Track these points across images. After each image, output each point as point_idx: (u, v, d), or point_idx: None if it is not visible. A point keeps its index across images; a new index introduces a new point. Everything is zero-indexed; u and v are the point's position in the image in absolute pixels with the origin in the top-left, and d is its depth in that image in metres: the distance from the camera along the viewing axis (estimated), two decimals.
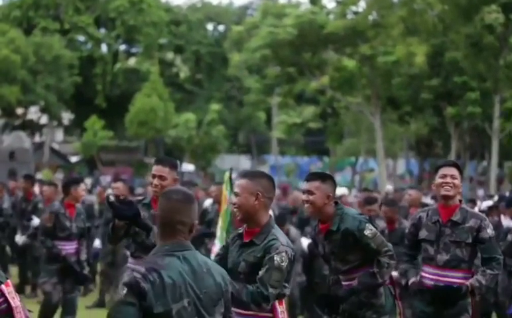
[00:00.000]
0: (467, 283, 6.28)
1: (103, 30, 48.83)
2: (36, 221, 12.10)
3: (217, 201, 10.87)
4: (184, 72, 53.34)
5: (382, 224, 9.31)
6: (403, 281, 6.83)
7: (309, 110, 47.30)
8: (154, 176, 6.27)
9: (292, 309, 10.55)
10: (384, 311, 6.01)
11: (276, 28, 36.74)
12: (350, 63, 37.21)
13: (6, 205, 13.85)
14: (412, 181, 41.85)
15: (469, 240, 6.34)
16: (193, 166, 47.10)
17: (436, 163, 7.26)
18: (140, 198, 6.99)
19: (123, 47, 50.38)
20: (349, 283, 5.96)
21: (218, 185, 11.75)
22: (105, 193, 14.64)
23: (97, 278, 13.56)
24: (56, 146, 49.32)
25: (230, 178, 8.82)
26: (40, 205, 12.61)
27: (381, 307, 6.00)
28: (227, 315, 3.83)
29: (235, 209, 5.08)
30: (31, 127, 47.90)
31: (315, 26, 35.81)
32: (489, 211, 12.06)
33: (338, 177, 39.64)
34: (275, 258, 4.83)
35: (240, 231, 5.15)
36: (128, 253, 6.84)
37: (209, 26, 54.80)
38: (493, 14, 29.35)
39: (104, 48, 48.50)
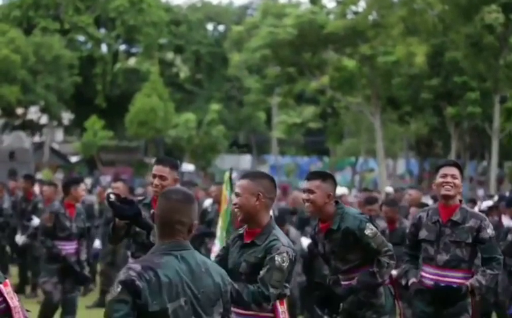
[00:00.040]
0: (467, 283, 6.28)
1: (103, 30, 48.84)
2: (36, 221, 12.10)
3: (217, 201, 10.87)
4: (184, 72, 53.35)
5: (382, 224, 9.31)
6: (403, 281, 6.83)
7: (309, 110, 47.31)
8: (154, 176, 6.27)
9: (292, 309, 10.54)
10: (384, 311, 6.01)
11: (276, 28, 36.75)
12: (350, 63, 37.22)
13: (6, 205, 13.84)
14: (412, 181, 41.83)
15: (469, 240, 6.34)
16: (193, 166, 47.10)
17: (436, 163, 7.27)
18: (140, 198, 6.99)
19: (123, 47, 50.39)
20: (348, 282, 5.96)
21: (218, 185, 11.75)
22: (105, 193, 14.64)
23: (97, 278, 13.57)
24: (56, 146, 49.32)
25: (230, 178, 8.82)
26: (40, 205, 12.61)
27: (381, 307, 6.00)
28: (226, 316, 3.82)
29: (236, 210, 5.07)
30: (31, 127, 47.90)
31: (315, 26, 35.81)
32: (489, 210, 12.06)
33: (338, 177, 39.60)
34: (276, 258, 4.83)
35: (240, 232, 5.15)
36: (128, 253, 6.84)
37: (209, 26, 54.82)
38: (493, 14, 29.34)
39: (104, 48, 48.51)
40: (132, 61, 49.53)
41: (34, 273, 12.71)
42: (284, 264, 4.83)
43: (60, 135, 54.66)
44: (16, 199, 13.77)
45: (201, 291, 3.65)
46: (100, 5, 47.44)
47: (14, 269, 14.13)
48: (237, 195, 5.03)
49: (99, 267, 13.58)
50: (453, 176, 6.38)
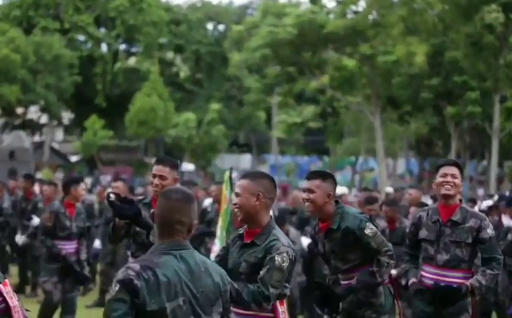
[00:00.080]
0: (467, 283, 6.28)
1: (103, 30, 48.83)
2: (36, 221, 12.10)
3: (217, 201, 10.87)
4: (184, 72, 53.35)
5: (382, 223, 9.31)
6: (403, 281, 6.83)
7: (309, 110, 47.31)
8: (154, 176, 6.26)
9: (292, 309, 10.53)
10: (383, 311, 6.01)
11: (276, 28, 36.74)
12: (350, 62, 37.22)
13: (6, 204, 13.84)
14: (412, 180, 41.84)
15: (469, 240, 6.34)
16: (193, 166, 47.10)
17: (436, 163, 7.26)
18: (140, 198, 6.99)
19: (123, 46, 50.38)
20: (348, 282, 5.96)
21: (218, 185, 11.75)
22: (105, 192, 14.64)
23: (97, 278, 13.57)
24: (56, 146, 49.32)
25: (230, 178, 8.82)
26: (40, 205, 12.61)
27: (381, 307, 6.00)
28: (226, 315, 3.82)
29: (236, 209, 5.07)
30: (31, 127, 47.90)
31: (315, 26, 35.81)
32: (489, 210, 12.07)
33: (338, 177, 39.61)
34: (276, 258, 4.83)
35: (240, 232, 5.15)
36: (128, 253, 6.84)
37: (209, 26, 54.81)
38: (493, 14, 29.34)
39: (104, 47, 48.50)
40: (132, 61, 49.53)
41: (34, 272, 12.71)
42: (284, 264, 4.83)
43: (60, 135, 54.66)
44: (16, 199, 13.77)
45: (201, 290, 3.65)
46: (100, 5, 47.43)
47: (14, 269, 14.13)
48: (237, 195, 5.03)
49: (99, 267, 13.58)
50: (453, 176, 6.38)
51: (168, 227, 3.68)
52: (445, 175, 6.38)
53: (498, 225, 10.79)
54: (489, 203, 13.97)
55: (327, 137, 46.33)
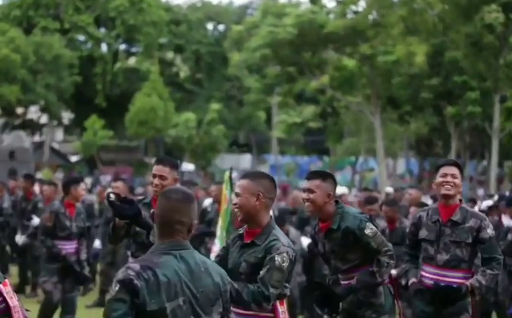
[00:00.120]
0: (467, 283, 6.28)
1: (103, 30, 48.83)
2: (36, 221, 12.10)
3: (217, 201, 10.87)
4: (184, 72, 53.35)
5: (382, 223, 9.31)
6: (403, 281, 6.82)
7: (309, 110, 47.31)
8: (154, 176, 6.26)
9: (292, 309, 10.53)
10: (383, 311, 6.01)
11: (276, 28, 36.74)
12: (350, 62, 37.22)
13: (6, 204, 13.84)
14: (412, 180, 41.84)
15: (469, 240, 6.34)
16: (193, 166, 47.10)
17: (436, 163, 7.26)
18: (140, 198, 6.99)
19: (123, 46, 50.38)
20: (348, 282, 5.96)
21: (218, 185, 11.75)
22: (105, 192, 14.63)
23: (97, 278, 13.57)
24: (56, 146, 49.32)
25: (230, 177, 8.82)
26: (40, 205, 12.61)
27: (381, 307, 6.00)
28: (226, 315, 3.82)
29: (236, 209, 5.07)
30: (31, 127, 47.90)
31: (315, 26, 35.81)
32: (489, 210, 12.07)
33: (338, 177, 39.61)
34: (276, 258, 4.83)
35: (240, 232, 5.15)
36: (128, 253, 6.84)
37: (209, 26, 54.81)
38: (493, 14, 29.35)
39: (104, 47, 48.50)
40: (132, 61, 49.53)
41: (34, 272, 12.71)
42: (284, 264, 4.83)
43: (60, 135, 54.67)
44: (16, 199, 13.77)
45: (201, 290, 3.65)
46: (100, 5, 47.43)
47: (14, 269, 14.13)
48: (237, 195, 5.03)
49: (99, 267, 13.58)
50: (453, 176, 6.38)
51: (168, 227, 3.68)
52: (445, 175, 6.38)
53: (498, 225, 10.80)
54: (489, 203, 13.97)
55: (327, 137, 46.33)
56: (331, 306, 6.02)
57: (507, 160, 42.47)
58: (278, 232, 4.98)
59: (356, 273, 5.91)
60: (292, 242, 5.28)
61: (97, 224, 13.77)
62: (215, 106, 46.42)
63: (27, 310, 4.10)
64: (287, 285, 4.95)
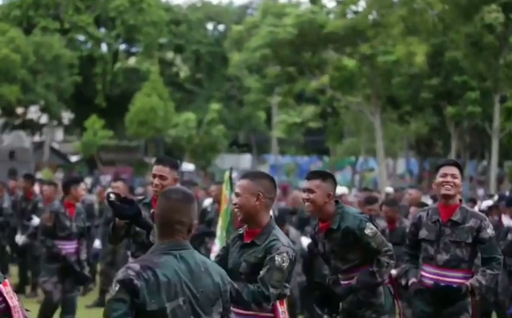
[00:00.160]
0: (467, 283, 6.28)
1: (103, 30, 48.83)
2: (36, 221, 12.10)
3: (217, 201, 10.87)
4: (184, 72, 53.35)
5: (383, 223, 9.31)
6: (403, 281, 6.82)
7: (309, 110, 47.31)
8: (154, 176, 6.26)
9: (292, 309, 10.54)
10: (383, 311, 6.01)
11: (276, 28, 36.74)
12: (350, 62, 37.23)
13: (6, 204, 13.84)
14: (412, 180, 41.84)
15: (469, 240, 6.34)
16: (193, 166, 47.10)
17: (436, 163, 7.26)
18: (140, 198, 6.99)
19: (123, 46, 50.38)
20: (348, 282, 5.96)
21: (218, 185, 11.75)
22: (105, 192, 14.63)
23: (97, 278, 13.57)
24: (56, 146, 49.32)
25: (230, 177, 8.82)
26: (40, 205, 12.61)
27: (380, 307, 6.00)
28: (226, 315, 3.82)
29: (236, 209, 5.07)
30: (31, 126, 47.90)
31: (315, 26, 35.81)
32: (489, 210, 12.07)
33: (338, 177, 39.60)
34: (276, 258, 4.83)
35: (240, 232, 5.15)
36: (128, 253, 6.84)
37: (209, 26, 54.81)
38: (493, 14, 29.35)
39: (104, 47, 48.50)
40: (132, 61, 49.53)
41: (34, 272, 12.71)
42: (284, 264, 4.83)
43: (60, 135, 54.67)
44: (16, 199, 13.77)
45: (200, 290, 3.65)
46: (100, 5, 47.43)
47: (14, 269, 14.12)
48: (237, 195, 5.03)
49: (99, 267, 13.57)
50: (453, 176, 6.38)
51: (168, 227, 3.68)
52: (445, 175, 6.38)
53: (498, 225, 10.80)
54: (489, 203, 13.97)
55: (327, 137, 46.33)
56: (331, 306, 6.02)
57: (507, 160, 42.46)
58: (278, 232, 4.98)
59: (356, 273, 5.91)
60: (292, 242, 5.28)
61: (97, 224, 13.77)
62: (215, 106, 46.42)
63: (27, 310, 4.10)
64: (287, 285, 4.95)
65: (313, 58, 37.55)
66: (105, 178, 34.42)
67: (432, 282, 6.40)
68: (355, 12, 36.55)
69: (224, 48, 47.29)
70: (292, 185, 28.89)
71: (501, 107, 31.51)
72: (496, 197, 15.43)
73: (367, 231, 5.78)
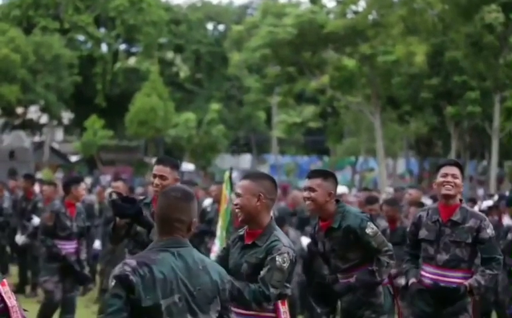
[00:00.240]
0: (466, 283, 6.28)
1: (102, 30, 48.81)
2: (36, 220, 12.10)
3: (217, 201, 10.86)
4: (183, 71, 53.33)
5: (383, 223, 9.30)
6: (403, 281, 6.82)
7: (309, 110, 47.31)
8: (155, 176, 6.27)
9: (292, 309, 10.52)
10: (382, 310, 6.01)
11: (276, 28, 36.74)
12: (350, 62, 37.22)
13: (6, 204, 13.84)
14: (412, 180, 41.84)
15: (469, 240, 6.34)
16: (193, 166, 47.11)
17: (436, 163, 7.27)
18: (141, 197, 6.99)
19: (122, 46, 50.36)
20: (347, 281, 5.96)
21: (218, 185, 11.75)
22: (105, 192, 14.64)
23: (97, 277, 13.56)
24: (56, 146, 49.31)
25: (230, 177, 8.82)
26: (40, 205, 12.61)
27: (380, 306, 6.01)
28: (226, 315, 3.82)
29: (236, 210, 5.08)
30: (31, 126, 47.90)
31: (315, 26, 35.81)
32: (489, 210, 12.06)
33: (338, 177, 39.38)
34: (277, 259, 4.83)
35: (241, 233, 5.14)
36: (126, 249, 6.84)
37: (209, 26, 54.80)
38: (493, 14, 29.34)
39: (104, 47, 48.48)
40: (132, 61, 49.52)
41: (34, 272, 12.71)
42: (284, 265, 4.84)
43: (59, 134, 54.66)
44: (16, 199, 13.77)
45: (198, 288, 3.65)
46: (100, 5, 47.41)
47: (14, 269, 14.12)
48: (238, 195, 5.03)
49: (99, 267, 13.57)
50: (453, 176, 6.38)
51: (167, 225, 3.69)
52: (445, 175, 6.38)
53: (498, 225, 10.79)
54: (489, 203, 13.97)
55: (327, 137, 46.33)
56: (329, 302, 6.02)
57: (507, 160, 42.43)
58: (279, 232, 4.99)
59: (355, 272, 5.91)
60: (292, 243, 5.28)
61: (97, 224, 13.77)
62: (215, 106, 46.41)
63: (25, 310, 4.10)
64: (288, 285, 4.96)
65: (313, 58, 37.55)
66: (105, 178, 34.42)
67: (431, 282, 6.40)
68: (355, 12, 36.54)
69: (224, 48, 47.28)
70: (292, 185, 28.88)
71: (501, 107, 31.51)
72: (496, 197, 15.42)
73: (368, 230, 5.79)
